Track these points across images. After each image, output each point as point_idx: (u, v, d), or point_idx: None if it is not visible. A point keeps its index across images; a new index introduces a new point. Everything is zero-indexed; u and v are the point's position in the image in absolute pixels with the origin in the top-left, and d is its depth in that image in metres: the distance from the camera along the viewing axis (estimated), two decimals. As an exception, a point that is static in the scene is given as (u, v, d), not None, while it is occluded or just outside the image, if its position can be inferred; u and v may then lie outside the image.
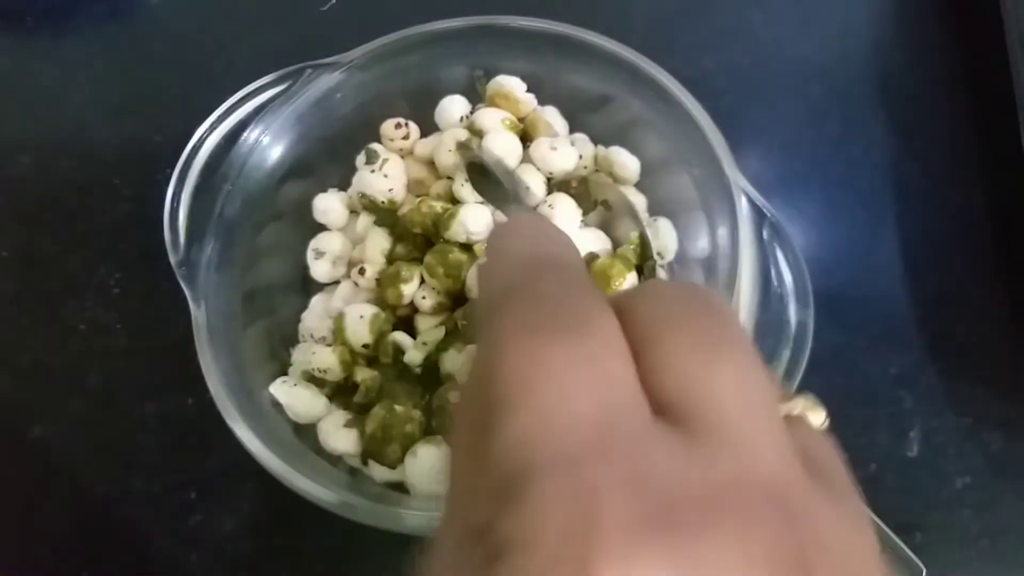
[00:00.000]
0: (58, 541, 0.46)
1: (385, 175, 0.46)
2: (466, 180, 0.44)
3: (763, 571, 0.13)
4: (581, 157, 0.47)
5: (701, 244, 0.43)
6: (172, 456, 0.47)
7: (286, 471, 0.36)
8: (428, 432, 0.39)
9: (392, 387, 0.41)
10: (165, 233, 0.42)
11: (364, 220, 0.47)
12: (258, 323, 0.44)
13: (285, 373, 0.43)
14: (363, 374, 0.42)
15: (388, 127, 0.48)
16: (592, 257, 0.44)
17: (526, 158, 0.46)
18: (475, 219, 0.43)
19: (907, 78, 0.57)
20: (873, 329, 0.48)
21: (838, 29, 0.61)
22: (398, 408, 0.39)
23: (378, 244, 0.46)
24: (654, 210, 0.47)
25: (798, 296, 0.37)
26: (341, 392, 0.43)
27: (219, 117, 0.45)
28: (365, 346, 0.42)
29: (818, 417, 0.20)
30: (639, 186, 0.47)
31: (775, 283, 0.38)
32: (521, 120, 0.48)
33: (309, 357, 0.42)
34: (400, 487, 0.39)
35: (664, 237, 0.45)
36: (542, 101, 0.49)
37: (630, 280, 0.42)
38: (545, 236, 0.21)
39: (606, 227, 0.45)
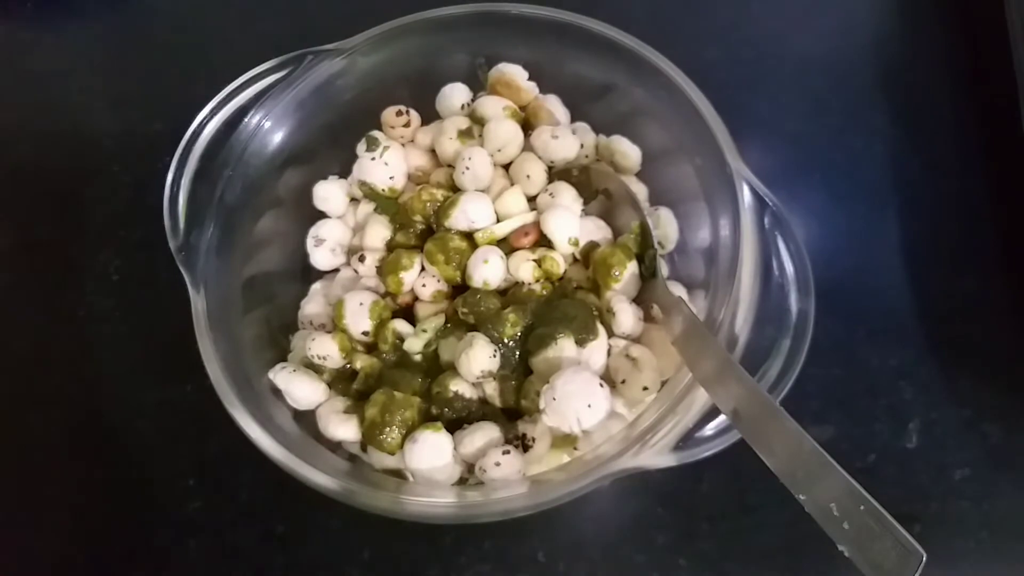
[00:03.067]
0: (58, 526, 0.46)
1: (386, 163, 0.46)
2: (466, 169, 0.44)
3: None
4: (582, 146, 0.46)
5: (702, 234, 0.43)
6: (171, 443, 0.47)
7: (286, 457, 0.36)
8: (428, 418, 0.39)
9: (392, 374, 0.41)
10: (165, 218, 0.41)
11: (364, 208, 0.47)
12: (257, 310, 0.44)
13: (284, 360, 0.43)
14: (362, 361, 0.42)
15: (389, 114, 0.48)
16: (593, 246, 0.44)
17: (527, 146, 0.46)
18: (476, 207, 0.43)
19: (909, 70, 0.57)
20: (874, 320, 0.48)
21: (840, 21, 0.60)
22: (397, 394, 0.39)
23: (378, 232, 0.46)
24: (655, 199, 0.47)
25: (799, 286, 0.37)
26: (340, 379, 0.43)
27: (219, 103, 0.44)
28: (365, 333, 0.42)
29: None
30: (640, 175, 0.47)
31: (776, 273, 0.38)
32: (523, 108, 0.48)
33: (308, 344, 0.42)
34: (399, 473, 0.39)
35: (665, 226, 0.45)
36: (544, 89, 0.49)
37: (630, 269, 0.42)
38: None
39: (607, 216, 0.45)
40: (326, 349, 0.42)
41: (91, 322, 0.52)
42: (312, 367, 0.42)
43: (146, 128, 0.59)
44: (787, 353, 0.36)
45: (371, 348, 0.43)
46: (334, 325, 0.43)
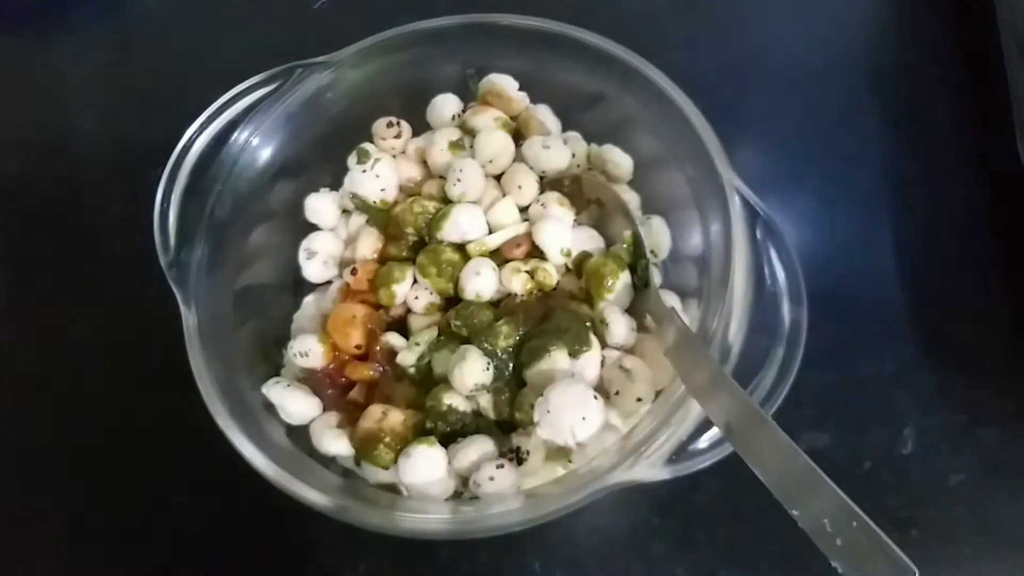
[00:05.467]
0: (54, 542, 0.46)
1: (377, 175, 0.46)
2: (458, 180, 0.44)
3: None
4: (574, 155, 0.46)
5: (694, 242, 0.43)
6: (165, 459, 0.47)
7: (279, 475, 0.36)
8: (421, 432, 0.39)
9: (385, 387, 0.41)
10: (155, 235, 0.41)
11: (356, 220, 0.47)
12: (250, 324, 0.44)
13: (277, 374, 0.43)
14: (357, 373, 0.42)
15: (380, 126, 0.48)
16: (585, 256, 0.44)
17: (519, 157, 0.46)
18: (467, 219, 0.43)
19: (902, 75, 0.57)
20: (867, 327, 0.48)
21: (833, 26, 0.61)
22: (391, 408, 0.39)
23: (370, 244, 0.46)
24: (647, 208, 0.47)
25: (792, 294, 0.37)
26: (335, 392, 0.43)
27: (209, 117, 0.44)
28: (357, 347, 0.42)
29: None
30: (632, 184, 0.47)
31: (768, 281, 0.38)
32: (514, 118, 0.48)
33: (291, 342, 0.42)
34: (393, 488, 0.39)
35: (657, 235, 0.45)
36: (535, 99, 0.49)
37: (623, 279, 0.41)
38: None
39: (599, 226, 0.45)
40: (307, 345, 0.42)
41: (83, 338, 0.52)
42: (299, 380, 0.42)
43: (137, 141, 0.58)
44: (781, 362, 0.36)
45: (363, 361, 0.43)
46: (325, 338, 0.43)
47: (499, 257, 0.43)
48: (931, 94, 0.56)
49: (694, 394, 0.34)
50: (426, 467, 0.37)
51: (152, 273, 0.41)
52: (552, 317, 0.41)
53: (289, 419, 0.41)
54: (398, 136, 0.48)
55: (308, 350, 0.42)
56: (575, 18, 0.46)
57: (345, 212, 0.48)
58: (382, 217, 0.46)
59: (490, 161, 0.45)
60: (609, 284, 0.41)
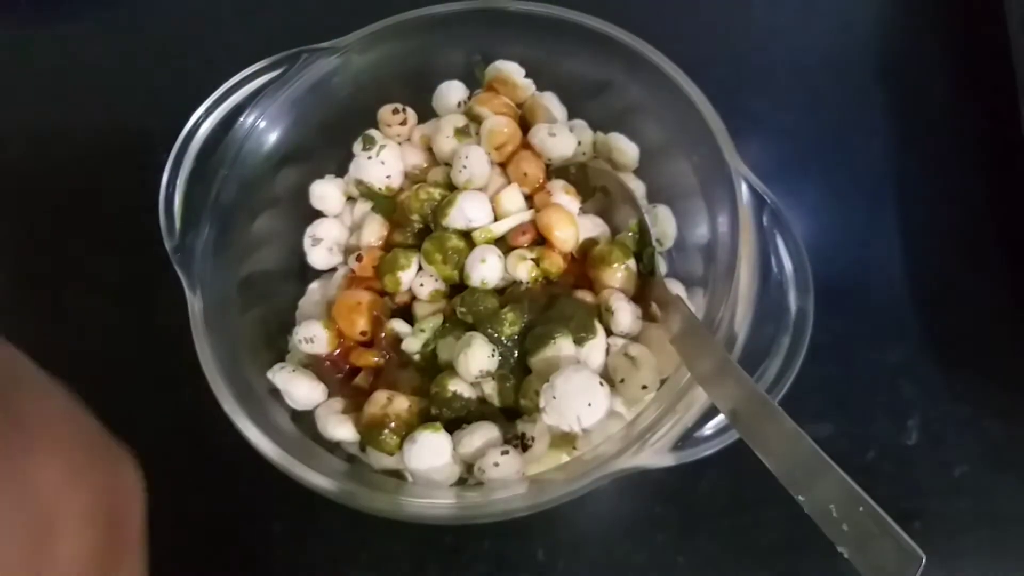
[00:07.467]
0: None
1: (382, 161, 0.45)
2: (464, 167, 0.44)
3: None
4: (580, 143, 0.46)
5: (701, 231, 0.43)
6: (169, 444, 0.47)
7: (284, 459, 0.36)
8: (426, 418, 0.39)
9: (390, 374, 0.41)
10: (160, 219, 0.41)
11: (361, 207, 0.47)
12: (255, 310, 0.44)
13: (283, 360, 0.43)
14: (362, 359, 0.42)
15: (385, 112, 0.48)
16: (591, 244, 0.44)
17: (525, 144, 0.46)
18: (473, 206, 0.43)
19: (908, 65, 0.57)
20: (873, 318, 0.48)
21: (839, 16, 0.60)
22: (396, 394, 0.39)
23: (375, 231, 0.45)
24: (653, 197, 0.47)
25: (798, 283, 0.37)
26: (340, 377, 0.43)
27: (215, 102, 0.44)
28: (362, 333, 0.42)
29: None
30: (638, 172, 0.47)
31: (775, 270, 0.38)
32: (520, 106, 0.48)
33: (296, 329, 0.42)
34: (398, 474, 0.39)
35: (663, 224, 0.45)
36: (541, 86, 0.49)
37: (628, 266, 0.41)
38: None
39: (605, 214, 0.45)
40: (312, 331, 0.42)
41: (88, 323, 0.52)
42: (304, 364, 0.42)
43: (142, 127, 0.58)
44: (786, 351, 0.36)
45: (368, 348, 0.43)
46: (330, 324, 0.43)
47: (504, 244, 0.43)
48: (937, 85, 0.56)
49: (700, 381, 0.34)
50: (431, 453, 0.37)
51: (158, 259, 0.41)
52: (557, 305, 0.41)
53: (294, 404, 0.41)
54: (404, 123, 0.48)
55: (313, 336, 0.42)
56: (582, 5, 0.45)
57: (350, 199, 0.48)
58: (387, 204, 0.46)
59: (496, 148, 0.45)
60: (614, 271, 0.41)
